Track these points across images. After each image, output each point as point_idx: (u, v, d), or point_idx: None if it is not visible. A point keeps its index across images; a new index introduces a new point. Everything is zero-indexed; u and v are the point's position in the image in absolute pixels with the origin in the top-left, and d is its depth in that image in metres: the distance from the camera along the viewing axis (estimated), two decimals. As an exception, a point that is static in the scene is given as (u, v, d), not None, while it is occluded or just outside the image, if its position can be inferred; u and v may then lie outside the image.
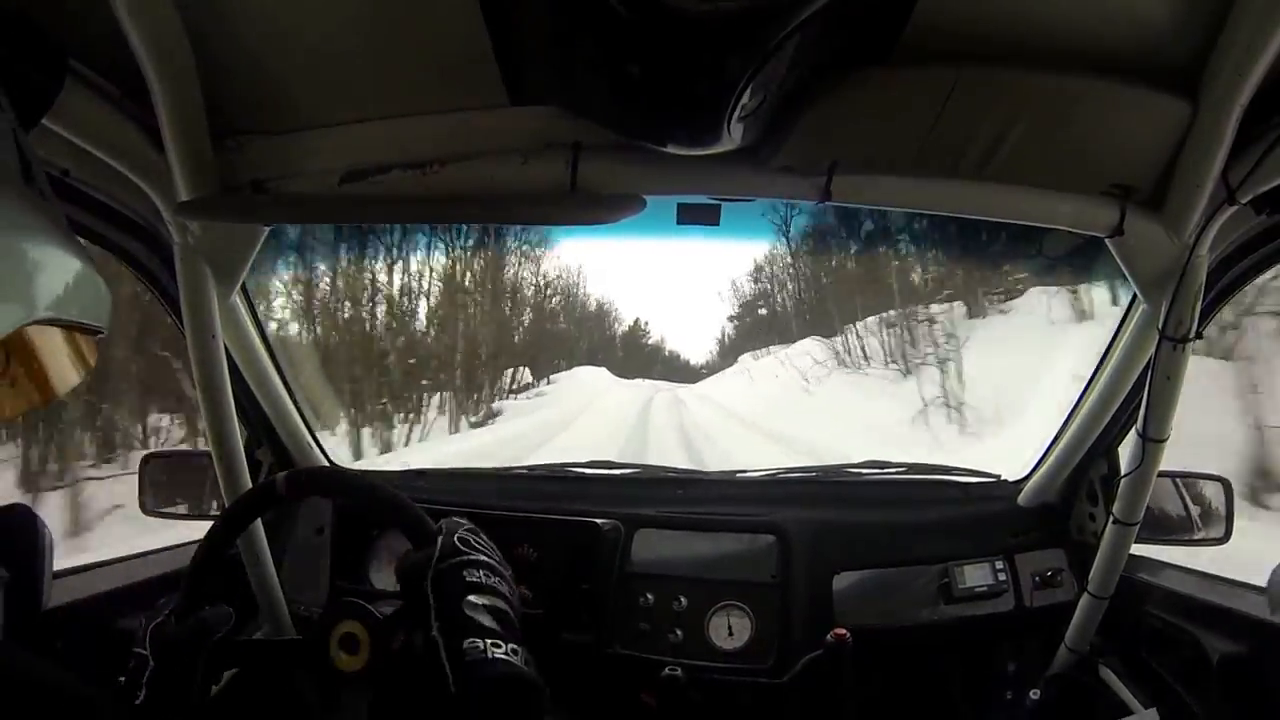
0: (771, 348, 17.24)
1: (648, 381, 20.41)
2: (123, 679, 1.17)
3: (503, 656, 0.73)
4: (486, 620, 0.76)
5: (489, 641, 0.74)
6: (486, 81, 0.96)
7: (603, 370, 19.76)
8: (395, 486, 0.91)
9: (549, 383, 16.42)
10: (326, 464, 1.61)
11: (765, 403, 13.35)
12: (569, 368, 18.22)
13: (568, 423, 12.04)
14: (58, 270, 0.49)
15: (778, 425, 10.91)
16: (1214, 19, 0.83)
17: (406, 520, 0.89)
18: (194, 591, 1.01)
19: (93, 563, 1.37)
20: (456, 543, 0.83)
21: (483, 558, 0.83)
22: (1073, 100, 0.92)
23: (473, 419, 12.60)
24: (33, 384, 0.49)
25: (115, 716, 0.57)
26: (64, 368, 0.52)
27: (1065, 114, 0.94)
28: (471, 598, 0.77)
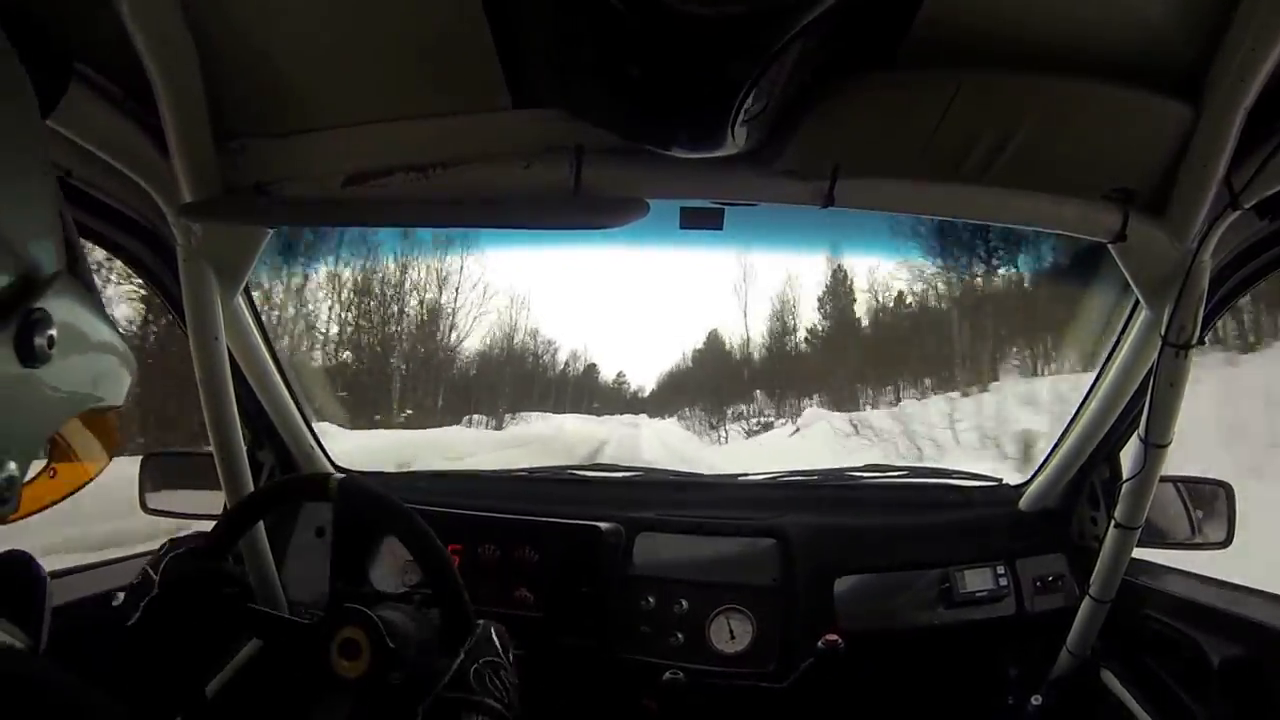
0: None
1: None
2: (121, 594, 1.14)
3: None
4: None
5: None
6: (490, 84, 0.96)
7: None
8: (393, 490, 0.91)
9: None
10: (330, 467, 1.60)
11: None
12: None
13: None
14: (99, 363, 0.48)
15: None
16: (1217, 23, 0.83)
17: (451, 599, 0.91)
18: (223, 541, 1.01)
19: (92, 563, 1.37)
20: (471, 677, 0.79)
21: (492, 703, 0.79)
22: (1076, 104, 0.92)
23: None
24: (70, 471, 0.50)
25: (117, 717, 0.56)
26: (93, 450, 0.52)
27: (1068, 118, 0.94)
28: None
